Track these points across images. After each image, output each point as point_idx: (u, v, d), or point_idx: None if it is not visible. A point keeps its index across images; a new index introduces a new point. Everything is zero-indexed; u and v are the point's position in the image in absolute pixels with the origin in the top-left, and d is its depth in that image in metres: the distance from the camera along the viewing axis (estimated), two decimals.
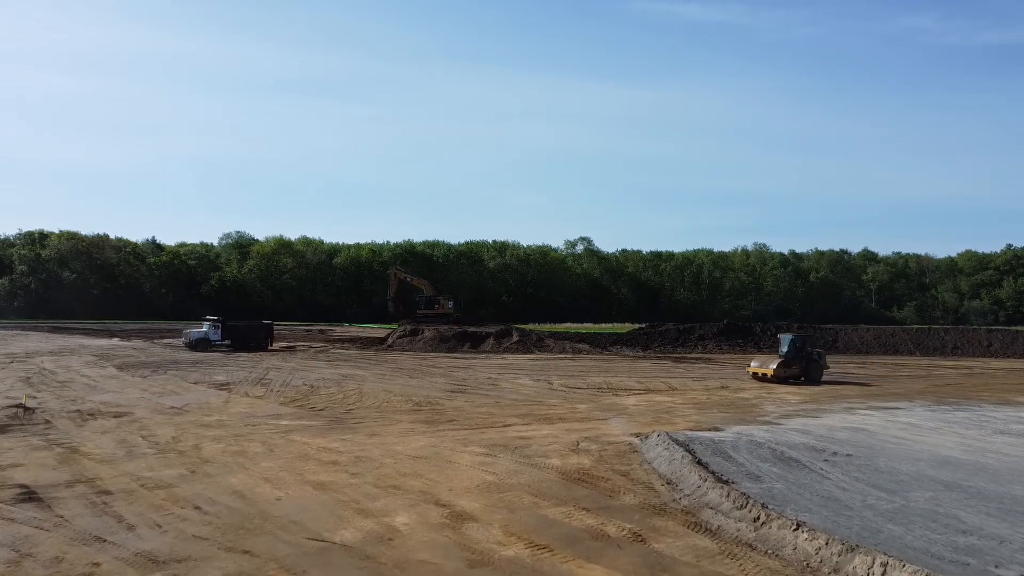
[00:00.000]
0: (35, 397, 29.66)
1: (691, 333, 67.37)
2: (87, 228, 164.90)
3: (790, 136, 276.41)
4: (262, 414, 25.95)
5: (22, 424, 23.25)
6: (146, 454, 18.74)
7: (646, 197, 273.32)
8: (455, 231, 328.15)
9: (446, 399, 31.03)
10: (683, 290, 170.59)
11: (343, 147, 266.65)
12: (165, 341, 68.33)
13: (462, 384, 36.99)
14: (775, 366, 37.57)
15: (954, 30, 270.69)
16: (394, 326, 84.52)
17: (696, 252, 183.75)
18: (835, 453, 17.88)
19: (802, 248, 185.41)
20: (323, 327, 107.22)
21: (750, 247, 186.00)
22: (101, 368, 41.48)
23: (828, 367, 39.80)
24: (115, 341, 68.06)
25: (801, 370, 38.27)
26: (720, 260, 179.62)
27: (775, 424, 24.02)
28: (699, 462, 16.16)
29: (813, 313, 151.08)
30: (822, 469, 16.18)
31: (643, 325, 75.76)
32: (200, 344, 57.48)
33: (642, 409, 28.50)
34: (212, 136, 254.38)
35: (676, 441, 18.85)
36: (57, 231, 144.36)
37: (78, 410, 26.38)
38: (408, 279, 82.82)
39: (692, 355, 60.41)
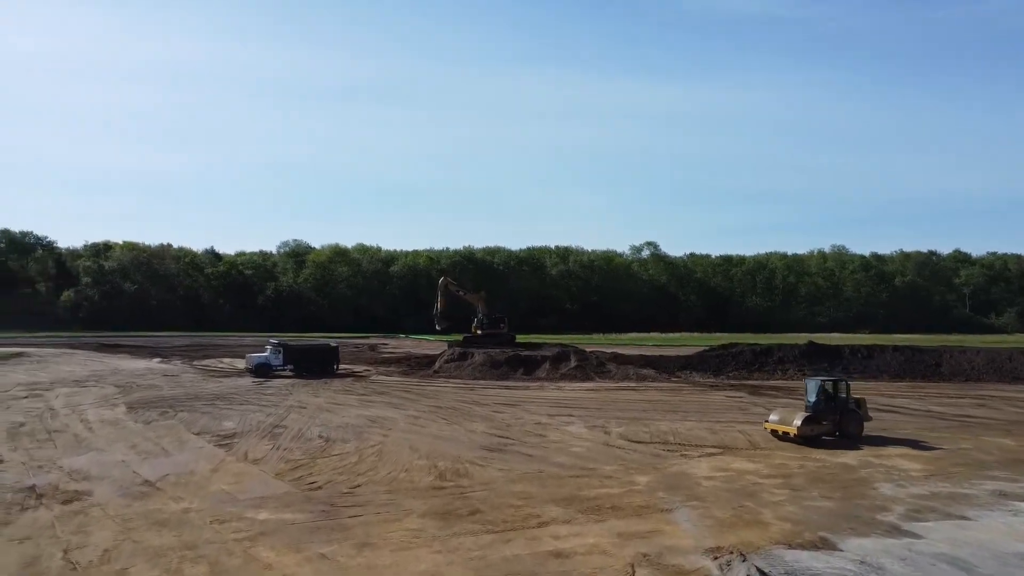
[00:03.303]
0: (2, 461, 25.69)
1: (768, 356, 60.35)
2: (153, 238, 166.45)
3: (867, 131, 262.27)
4: (244, 496, 21.09)
5: None
6: None
7: (713, 198, 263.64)
8: (516, 237, 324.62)
9: (478, 464, 25.70)
10: (755, 296, 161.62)
11: (402, 152, 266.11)
12: (204, 363, 65.17)
13: (504, 435, 31.58)
14: (800, 422, 29.31)
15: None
16: (452, 337, 79.83)
17: (769, 256, 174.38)
18: None
19: (885, 250, 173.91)
20: (376, 341, 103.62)
21: (827, 249, 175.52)
22: (110, 408, 37.73)
23: (871, 419, 31.63)
24: (154, 363, 65.34)
25: (834, 424, 30.24)
26: (795, 264, 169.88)
27: (909, 535, 17.71)
28: None
29: (898, 320, 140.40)
30: None
31: (714, 346, 68.73)
32: (261, 370, 53.74)
33: (718, 488, 22.54)
34: (275, 144, 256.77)
35: None
36: (121, 242, 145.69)
37: (32, 486, 22.13)
38: (460, 293, 77.70)
39: (770, 382, 53.57)
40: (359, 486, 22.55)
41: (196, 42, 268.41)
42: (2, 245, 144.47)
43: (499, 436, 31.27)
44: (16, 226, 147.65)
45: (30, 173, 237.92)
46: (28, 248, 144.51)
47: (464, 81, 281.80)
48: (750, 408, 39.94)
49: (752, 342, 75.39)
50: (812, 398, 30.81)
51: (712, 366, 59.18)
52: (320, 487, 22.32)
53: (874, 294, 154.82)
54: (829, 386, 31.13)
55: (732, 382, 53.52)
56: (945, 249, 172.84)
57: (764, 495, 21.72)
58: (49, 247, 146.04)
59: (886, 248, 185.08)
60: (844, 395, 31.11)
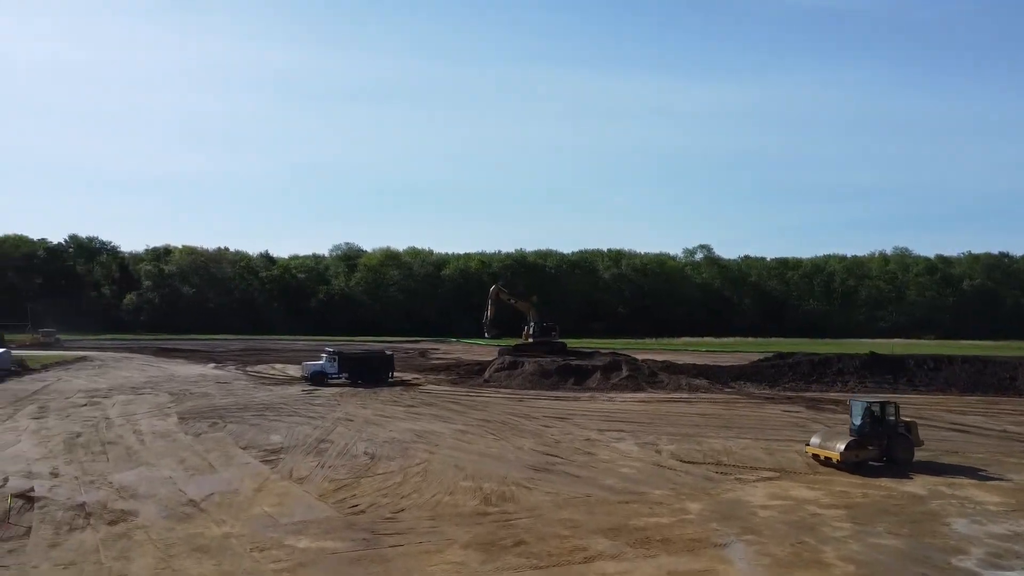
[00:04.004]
0: (58, 475, 26.07)
1: (827, 367, 58.10)
2: (211, 241, 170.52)
3: (931, 127, 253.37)
4: (286, 520, 20.82)
5: None
6: None
7: (768, 198, 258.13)
8: (568, 239, 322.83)
9: (525, 486, 25.04)
10: (812, 300, 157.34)
11: (453, 154, 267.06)
12: (256, 369, 66.07)
13: (552, 452, 30.89)
14: (843, 447, 27.52)
15: None
16: (503, 341, 79.40)
17: (827, 258, 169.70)
18: None
19: (952, 251, 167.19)
20: (426, 345, 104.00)
21: (889, 251, 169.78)
22: (162, 418, 38.28)
23: (922, 443, 29.43)
24: (209, 368, 66.57)
25: (881, 449, 28.30)
26: (854, 267, 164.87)
27: None
28: None
29: (966, 326, 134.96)
30: None
31: (769, 356, 66.76)
32: (317, 377, 54.66)
33: (775, 519, 21.40)
34: (329, 147, 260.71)
35: None
36: (180, 245, 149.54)
37: (83, 504, 22.32)
38: (512, 301, 77.21)
39: (830, 394, 51.34)
40: (402, 510, 22.09)
41: (246, 48, 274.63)
42: (71, 250, 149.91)
43: (547, 454, 30.57)
44: (83, 231, 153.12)
45: (94, 179, 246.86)
46: (94, 252, 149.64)
47: (511, 81, 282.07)
48: (808, 424, 38.36)
49: (810, 351, 73.23)
50: (857, 421, 29.08)
51: (768, 377, 57.32)
52: (363, 511, 21.93)
53: (940, 298, 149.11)
54: (876, 408, 29.21)
55: (789, 394, 51.65)
56: (1018, 250, 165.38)
57: (825, 529, 20.52)
58: (113, 252, 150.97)
59: (953, 250, 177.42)
60: (892, 418, 29.21)
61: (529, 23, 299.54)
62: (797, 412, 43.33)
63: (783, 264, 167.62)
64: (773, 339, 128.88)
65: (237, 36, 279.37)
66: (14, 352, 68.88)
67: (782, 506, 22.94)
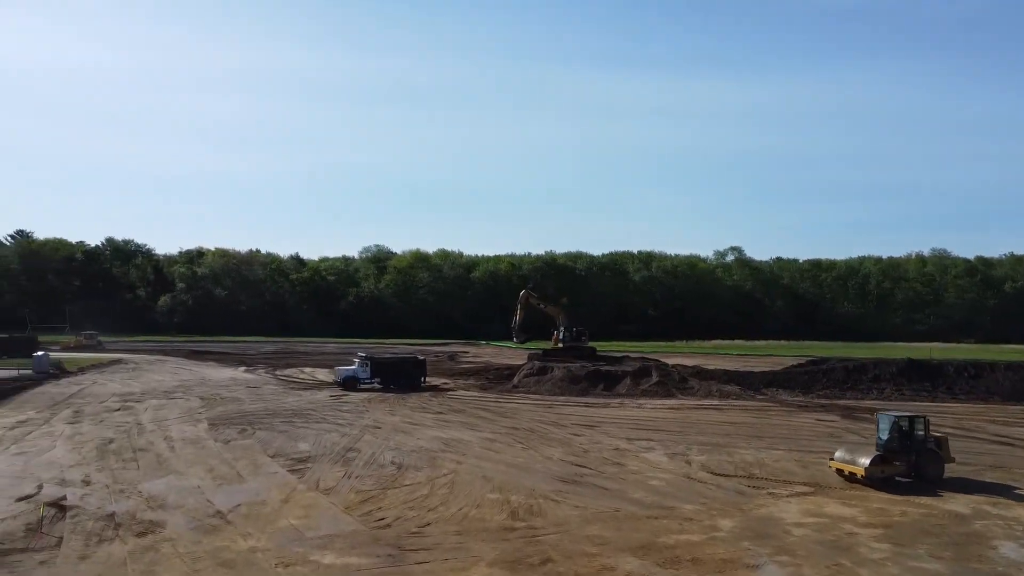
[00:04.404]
0: (89, 483, 26.33)
1: (863, 373, 56.88)
2: (243, 244, 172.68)
3: (970, 122, 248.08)
4: (312, 534, 20.72)
5: (26, 547, 19.33)
6: None
7: (801, 200, 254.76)
8: (598, 242, 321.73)
9: (552, 499, 24.71)
10: (846, 303, 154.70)
11: (483, 156, 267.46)
12: (286, 372, 66.53)
13: (580, 463, 30.52)
14: (868, 462, 26.59)
15: None
16: (533, 345, 79.09)
17: (862, 260, 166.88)
18: None
19: (993, 253, 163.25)
20: (456, 348, 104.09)
21: (927, 252, 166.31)
22: (193, 424, 38.59)
23: (953, 459, 28.29)
24: (239, 372, 67.19)
25: (909, 465, 27.22)
26: (890, 268, 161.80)
27: None
28: None
29: (1007, 330, 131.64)
30: None
31: (802, 362, 65.60)
32: (349, 383, 54.85)
33: (810, 539, 20.79)
34: (347, 147, 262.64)
35: None
36: (213, 248, 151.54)
37: (112, 513, 22.45)
38: (541, 306, 76.80)
39: (865, 402, 50.20)
40: (428, 524, 21.87)
41: (274, 50, 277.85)
42: (107, 252, 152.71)
43: (575, 464, 30.20)
44: (119, 234, 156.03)
45: (129, 182, 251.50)
46: (129, 255, 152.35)
47: (546, 82, 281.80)
48: (844, 436, 37.39)
49: (844, 355, 71.91)
50: (884, 436, 28.06)
51: (801, 383, 56.26)
52: (388, 525, 21.76)
53: (980, 301, 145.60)
54: (904, 423, 28.15)
55: (823, 402, 50.61)
56: None
57: (862, 550, 19.88)
58: (148, 254, 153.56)
59: (994, 251, 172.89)
60: (922, 433, 28.13)
61: (564, 23, 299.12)
62: (831, 421, 42.40)
63: (816, 266, 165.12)
64: (806, 342, 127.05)
65: (253, 37, 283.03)
66: (55, 355, 70.22)
67: (817, 524, 22.31)
